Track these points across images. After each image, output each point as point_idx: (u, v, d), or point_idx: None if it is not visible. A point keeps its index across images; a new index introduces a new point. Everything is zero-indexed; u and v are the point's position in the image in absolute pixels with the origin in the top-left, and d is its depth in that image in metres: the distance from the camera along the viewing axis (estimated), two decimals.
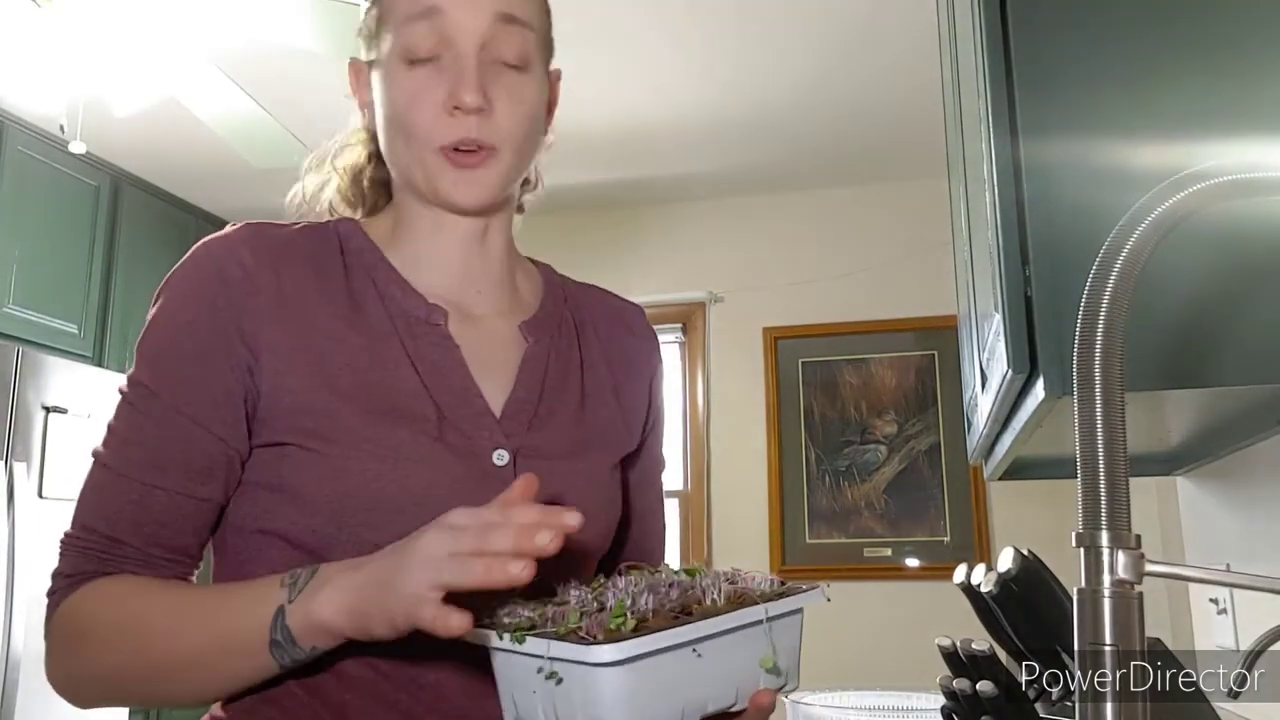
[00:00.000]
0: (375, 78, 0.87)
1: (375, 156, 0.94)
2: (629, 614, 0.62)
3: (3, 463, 2.81)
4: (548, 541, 0.62)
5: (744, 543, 3.78)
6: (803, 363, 3.90)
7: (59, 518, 2.76)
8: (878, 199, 3.92)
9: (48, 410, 2.97)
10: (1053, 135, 0.84)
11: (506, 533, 0.63)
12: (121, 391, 0.82)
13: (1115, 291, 0.58)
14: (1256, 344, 0.77)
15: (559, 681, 0.62)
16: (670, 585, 0.68)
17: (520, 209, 0.98)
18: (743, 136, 3.55)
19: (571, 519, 0.63)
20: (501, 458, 0.84)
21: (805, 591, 0.70)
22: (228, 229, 0.85)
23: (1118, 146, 0.83)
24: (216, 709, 0.84)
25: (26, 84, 3.11)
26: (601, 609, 0.64)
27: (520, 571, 0.62)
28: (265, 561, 0.81)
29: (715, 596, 0.66)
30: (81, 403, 3.10)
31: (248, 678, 0.75)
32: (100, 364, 3.58)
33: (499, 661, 0.68)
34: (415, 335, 0.85)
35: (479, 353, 0.87)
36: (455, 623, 0.63)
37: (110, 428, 0.81)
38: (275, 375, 0.80)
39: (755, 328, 3.96)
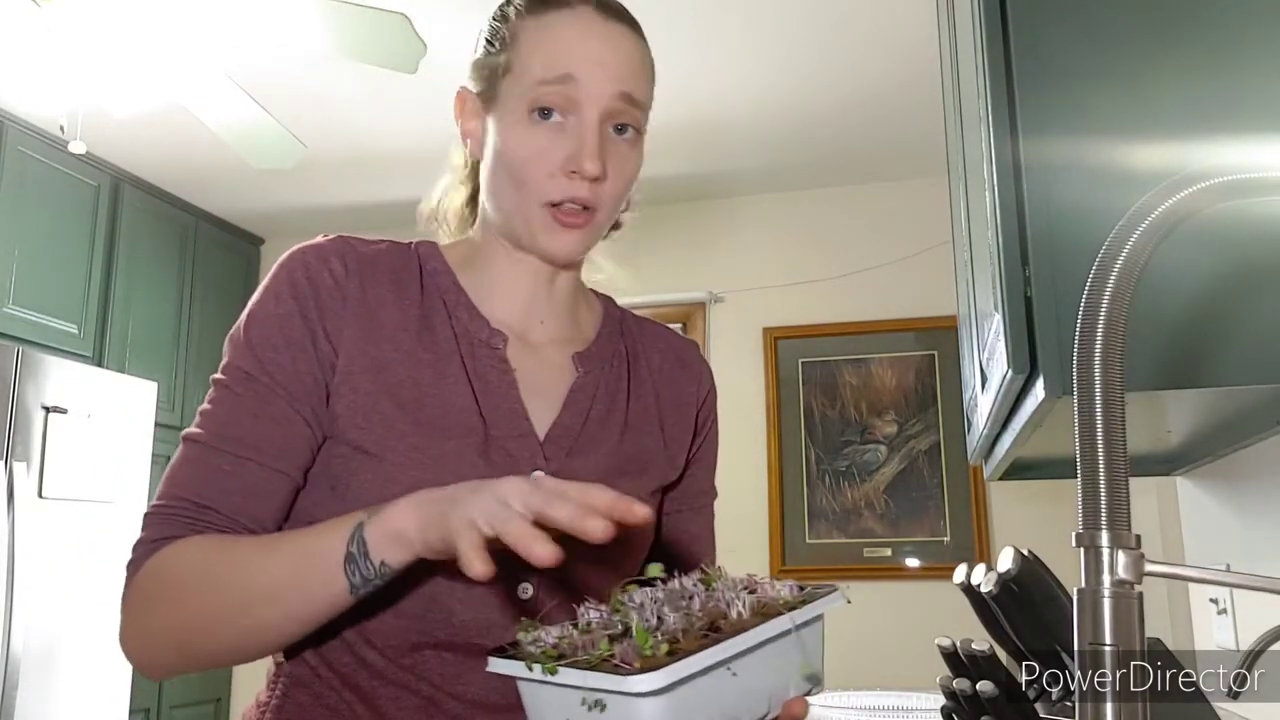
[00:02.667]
0: (491, 119, 0.91)
1: (471, 197, 1.01)
2: (659, 635, 0.62)
3: (3, 463, 2.81)
4: (599, 531, 0.65)
5: (744, 543, 3.78)
6: (803, 363, 3.90)
7: (59, 518, 2.77)
8: (878, 199, 3.92)
9: (48, 410, 2.97)
10: (1053, 135, 0.84)
11: (566, 505, 0.66)
12: (216, 380, 0.87)
13: (1115, 291, 0.58)
14: (1256, 344, 0.77)
15: (603, 709, 0.61)
16: (689, 598, 0.67)
17: (618, 225, 1.04)
18: (742, 137, 3.55)
19: (640, 511, 0.66)
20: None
21: (826, 595, 0.70)
22: (320, 239, 0.91)
23: (1118, 146, 0.83)
24: (262, 693, 0.90)
25: (26, 84, 3.12)
26: (626, 631, 0.64)
27: (544, 552, 0.64)
28: None
29: (740, 610, 0.65)
30: (81, 403, 3.10)
31: (319, 606, 0.77)
32: (100, 364, 3.58)
33: (528, 692, 0.67)
34: (476, 356, 0.91)
35: (533, 378, 0.93)
36: (479, 568, 0.65)
37: (204, 412, 0.86)
38: (347, 375, 0.86)
39: (755, 328, 3.96)
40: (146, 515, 0.84)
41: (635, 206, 1.06)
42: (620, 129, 0.89)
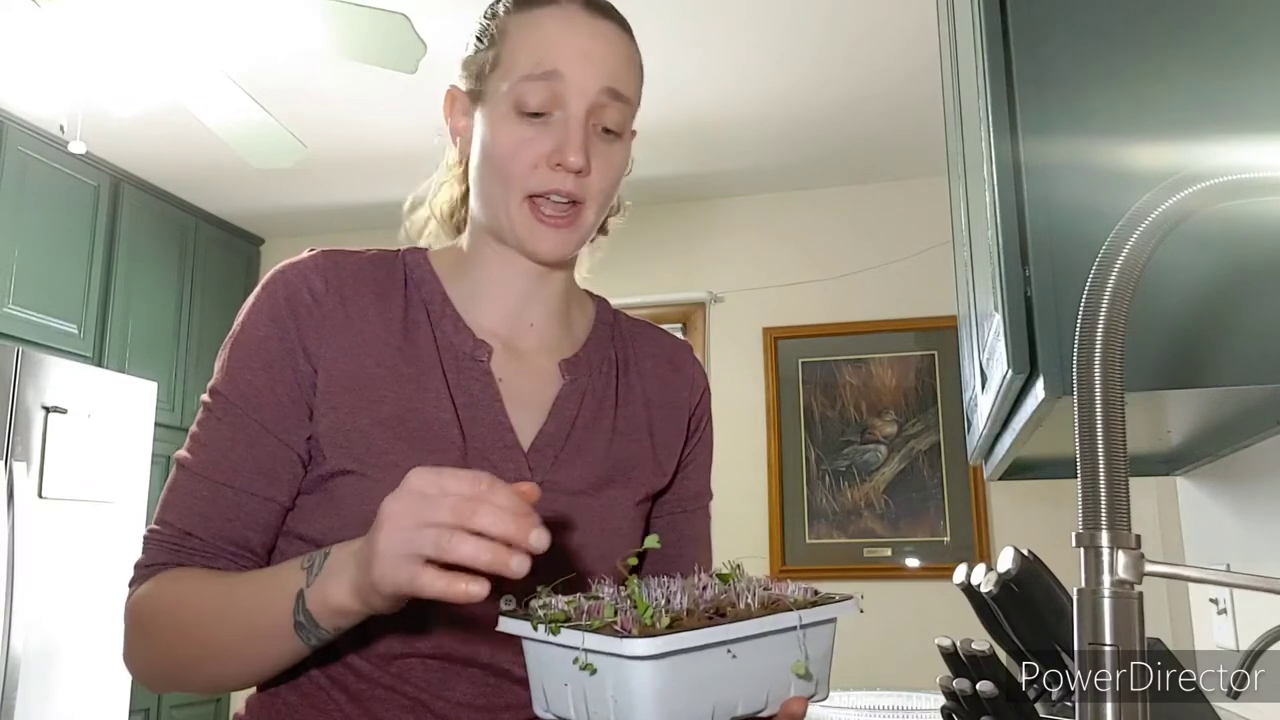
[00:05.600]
0: (478, 115, 0.91)
1: (467, 193, 1.00)
2: (664, 611, 0.63)
3: (3, 463, 2.81)
4: (541, 543, 0.63)
5: (744, 543, 3.78)
6: (803, 363, 3.90)
7: (59, 518, 2.79)
8: (878, 199, 3.92)
9: (48, 410, 2.97)
10: (1053, 135, 0.83)
11: (499, 515, 0.64)
12: (203, 403, 0.89)
13: (1115, 291, 0.58)
14: (1256, 344, 0.77)
15: (592, 673, 0.62)
16: (704, 587, 0.69)
17: (605, 230, 1.04)
18: (742, 137, 3.55)
19: (537, 540, 0.64)
20: None
21: (839, 602, 0.71)
22: (303, 255, 0.92)
23: (1118, 146, 0.83)
24: (251, 695, 0.91)
25: (26, 84, 3.11)
26: (635, 606, 0.65)
27: (520, 567, 0.63)
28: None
29: (750, 601, 0.67)
30: (81, 403, 3.10)
31: (284, 657, 0.79)
32: (100, 364, 3.58)
33: (531, 652, 0.69)
34: (459, 369, 0.90)
35: (518, 387, 0.92)
36: (475, 589, 0.63)
37: (191, 434, 0.88)
38: (327, 393, 0.86)
39: (755, 328, 3.96)
40: (143, 538, 0.87)
41: (623, 212, 1.05)
42: (606, 127, 0.88)
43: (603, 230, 1.03)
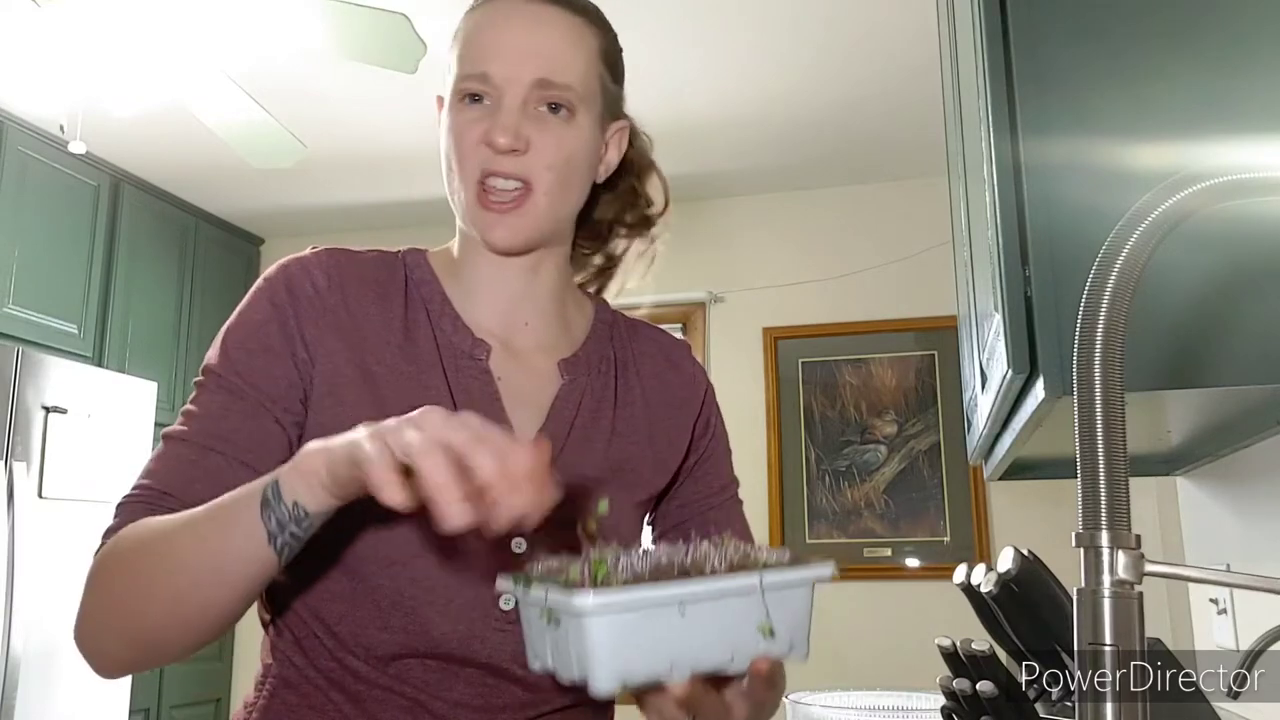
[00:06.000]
0: (443, 113, 0.93)
1: None
2: (627, 569, 0.66)
3: (3, 463, 2.81)
4: (533, 515, 0.64)
5: None
6: (803, 363, 3.90)
7: (59, 518, 2.78)
8: (878, 199, 3.92)
9: (47, 410, 2.97)
10: (1053, 135, 0.84)
11: (489, 458, 0.63)
12: (196, 382, 0.88)
13: (1115, 291, 0.58)
14: (1256, 344, 0.77)
15: (556, 625, 0.66)
16: (687, 551, 0.70)
17: (649, 233, 1.08)
18: (742, 137, 3.55)
19: (547, 499, 0.64)
20: None
21: (810, 566, 0.72)
22: (307, 251, 0.92)
23: (1118, 146, 0.83)
24: (249, 695, 0.90)
25: (26, 84, 3.11)
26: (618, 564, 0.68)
27: (455, 512, 0.62)
28: (302, 556, 0.82)
29: (716, 564, 0.68)
30: (81, 403, 3.10)
31: (244, 562, 0.74)
32: (100, 364, 3.58)
33: (521, 606, 0.73)
34: (459, 368, 0.90)
35: (517, 387, 0.92)
36: (390, 494, 0.63)
37: (183, 410, 0.87)
38: (331, 387, 0.86)
39: (755, 328, 3.96)
40: (116, 505, 0.83)
41: (659, 207, 1.07)
42: (553, 108, 0.89)
43: (645, 232, 1.07)
